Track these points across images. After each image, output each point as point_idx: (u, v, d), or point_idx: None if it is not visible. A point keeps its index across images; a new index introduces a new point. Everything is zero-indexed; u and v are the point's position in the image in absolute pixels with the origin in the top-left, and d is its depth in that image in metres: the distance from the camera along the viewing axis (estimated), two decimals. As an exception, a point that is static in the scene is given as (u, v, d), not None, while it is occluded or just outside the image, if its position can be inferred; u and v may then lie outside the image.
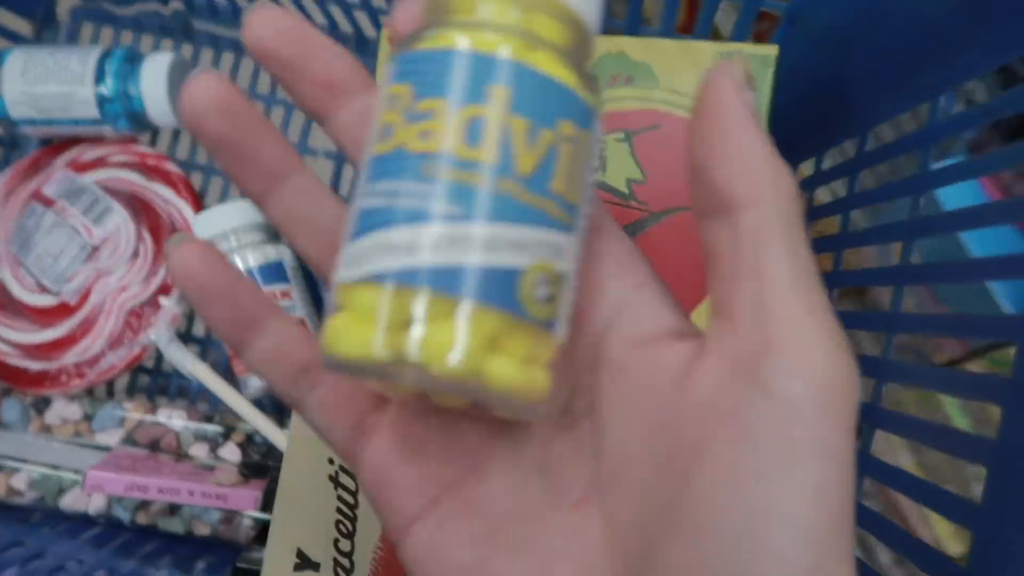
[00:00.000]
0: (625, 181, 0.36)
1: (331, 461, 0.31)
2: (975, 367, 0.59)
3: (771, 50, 0.35)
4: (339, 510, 0.31)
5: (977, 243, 0.52)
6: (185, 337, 0.49)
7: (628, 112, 0.37)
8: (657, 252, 0.36)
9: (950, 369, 0.24)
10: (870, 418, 0.28)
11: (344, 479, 0.31)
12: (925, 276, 0.27)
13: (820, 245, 0.36)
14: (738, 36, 0.38)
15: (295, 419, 0.32)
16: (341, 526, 0.31)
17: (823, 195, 0.54)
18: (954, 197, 0.52)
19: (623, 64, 0.37)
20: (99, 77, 0.47)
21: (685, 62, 0.36)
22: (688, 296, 0.35)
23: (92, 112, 0.47)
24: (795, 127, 0.40)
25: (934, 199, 0.50)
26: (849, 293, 0.56)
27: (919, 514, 0.58)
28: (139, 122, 0.49)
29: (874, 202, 0.33)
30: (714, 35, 0.40)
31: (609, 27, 0.41)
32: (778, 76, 0.35)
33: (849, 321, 0.31)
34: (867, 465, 0.27)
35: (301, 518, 0.31)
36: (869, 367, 0.28)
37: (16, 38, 0.51)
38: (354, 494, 0.30)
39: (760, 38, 0.64)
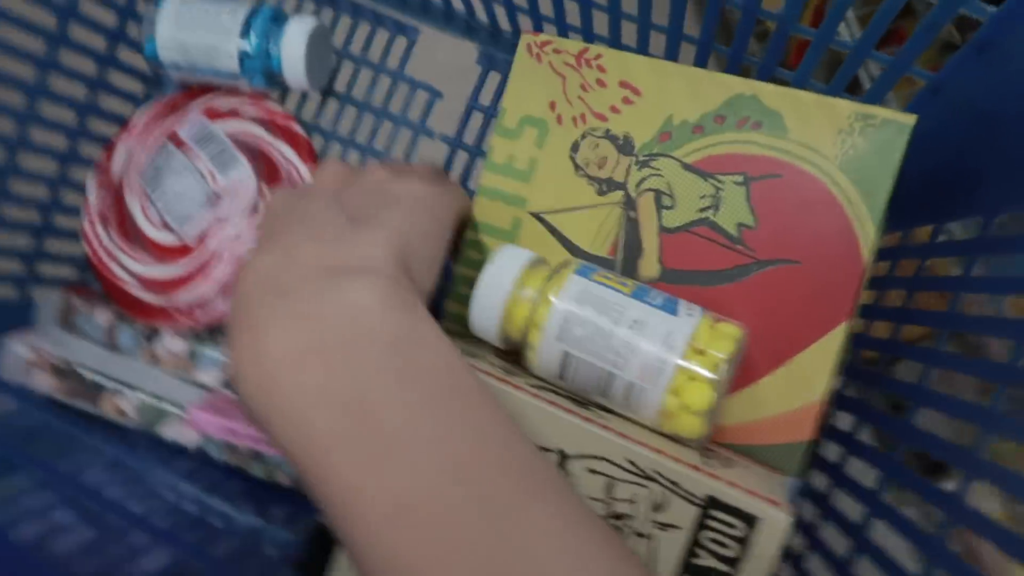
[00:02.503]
0: (736, 225, 0.37)
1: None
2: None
3: (908, 119, 0.34)
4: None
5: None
6: (287, 292, 0.52)
7: (751, 156, 0.37)
8: (756, 299, 0.36)
9: None
10: (967, 465, 0.28)
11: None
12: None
13: (930, 318, 0.36)
14: (875, 97, 0.38)
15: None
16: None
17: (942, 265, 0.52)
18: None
19: (754, 108, 0.37)
20: (244, 33, 0.49)
21: (818, 117, 0.36)
22: (781, 348, 0.36)
23: (233, 65, 0.50)
24: (919, 192, 0.40)
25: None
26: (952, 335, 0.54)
27: (1000, 565, 0.57)
28: (274, 80, 0.51)
29: (989, 290, 0.33)
30: (852, 90, 0.39)
31: (745, 64, 0.41)
32: (910, 143, 0.34)
33: (956, 365, 0.31)
34: (951, 507, 0.27)
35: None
36: (973, 414, 0.29)
37: None
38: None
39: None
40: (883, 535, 0.31)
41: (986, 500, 0.57)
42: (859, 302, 0.35)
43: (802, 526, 0.38)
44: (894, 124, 0.34)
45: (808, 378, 0.35)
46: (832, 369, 0.35)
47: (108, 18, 0.52)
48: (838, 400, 0.41)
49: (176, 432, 0.46)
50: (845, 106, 0.35)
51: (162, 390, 0.47)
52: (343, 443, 0.24)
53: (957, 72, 0.34)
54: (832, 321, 0.35)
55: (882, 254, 0.42)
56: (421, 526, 0.23)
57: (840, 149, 0.35)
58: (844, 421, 0.39)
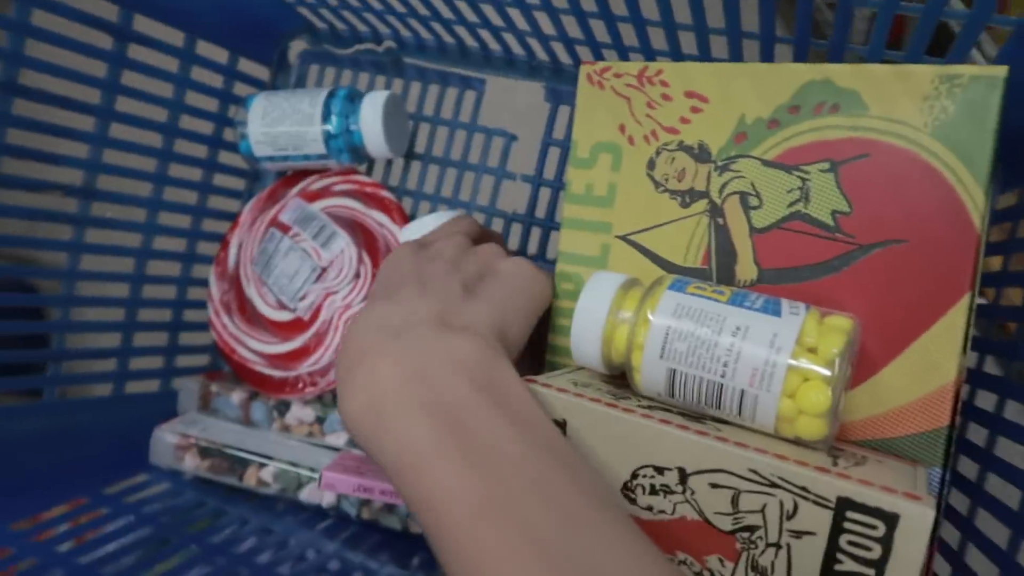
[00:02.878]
0: (830, 213, 0.35)
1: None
2: None
3: (999, 71, 0.32)
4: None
5: None
6: (398, 349, 0.54)
7: (834, 141, 0.36)
8: (865, 287, 0.34)
9: None
10: None
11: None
12: None
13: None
14: (959, 56, 0.36)
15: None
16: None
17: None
18: None
19: (828, 91, 0.36)
20: (325, 116, 0.52)
21: (899, 88, 0.34)
22: (901, 333, 0.34)
23: (319, 148, 0.53)
24: (1027, 145, 0.37)
25: None
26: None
27: None
28: (358, 154, 0.54)
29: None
30: (931, 52, 0.37)
31: (813, 50, 0.40)
32: (1007, 97, 0.32)
33: None
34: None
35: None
36: None
37: (256, 83, 0.59)
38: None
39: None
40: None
41: None
42: (979, 272, 0.33)
43: (956, 518, 0.35)
44: (984, 79, 0.32)
45: (936, 361, 0.33)
46: (961, 347, 0.32)
47: (206, 127, 0.57)
48: (979, 379, 0.38)
49: (313, 495, 0.48)
50: (926, 70, 0.34)
51: (296, 457, 0.49)
52: (439, 449, 0.27)
53: (1044, 13, 0.32)
54: (952, 297, 0.33)
55: (1000, 216, 0.39)
56: (504, 526, 0.25)
57: (929, 116, 0.34)
58: (987, 401, 0.36)
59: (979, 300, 0.34)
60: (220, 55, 0.56)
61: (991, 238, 0.40)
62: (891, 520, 0.26)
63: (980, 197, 0.32)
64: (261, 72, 0.60)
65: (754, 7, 0.38)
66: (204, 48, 0.54)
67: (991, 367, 0.37)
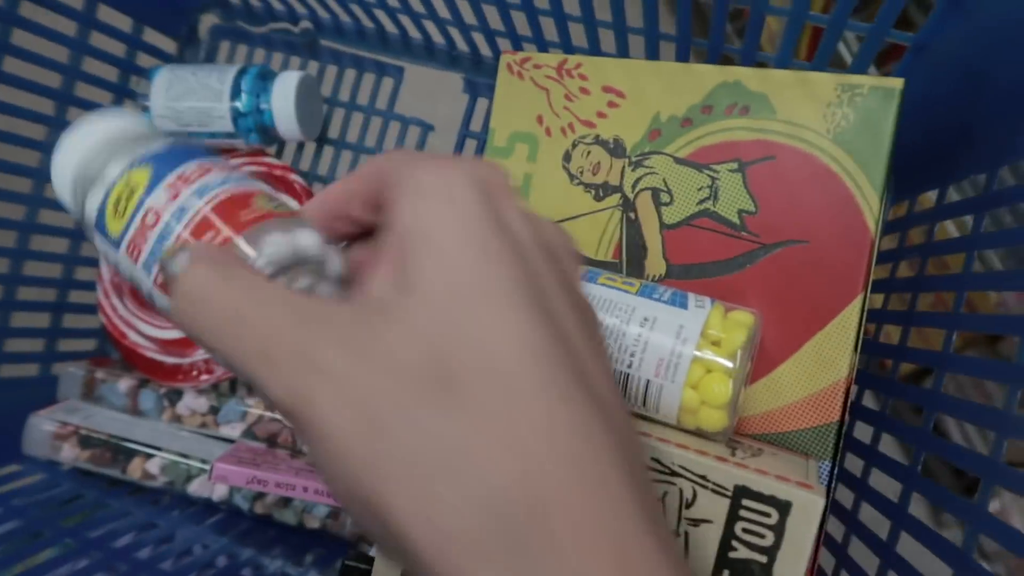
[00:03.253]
0: (737, 212, 0.36)
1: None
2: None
3: (896, 83, 0.34)
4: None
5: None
6: (302, 339, 0.52)
7: (742, 142, 0.37)
8: (767, 285, 0.35)
9: None
10: (987, 472, 0.27)
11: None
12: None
13: (944, 283, 0.35)
14: (860, 67, 0.37)
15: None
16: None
17: (950, 229, 0.51)
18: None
19: (739, 94, 0.37)
20: (235, 94, 0.50)
21: (804, 94, 0.35)
22: (799, 331, 0.35)
23: (227, 126, 0.51)
24: (919, 158, 0.39)
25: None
26: (979, 341, 0.53)
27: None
28: (268, 135, 0.52)
29: (1002, 244, 0.32)
30: (835, 63, 0.39)
31: (726, 54, 0.41)
32: (902, 108, 0.34)
33: (976, 369, 0.30)
34: (981, 521, 0.26)
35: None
36: (991, 419, 0.27)
37: (162, 55, 0.56)
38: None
39: (882, 61, 0.62)
40: (921, 510, 0.30)
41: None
42: (871, 275, 0.34)
43: (840, 511, 0.36)
44: (882, 90, 0.34)
45: (829, 358, 0.34)
46: (853, 346, 0.34)
47: (104, 97, 0.53)
48: (865, 379, 0.39)
49: (203, 488, 0.46)
50: (829, 79, 0.35)
51: (187, 448, 0.47)
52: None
53: (937, 30, 0.34)
54: (847, 297, 0.34)
55: (890, 226, 0.41)
56: None
57: (831, 123, 0.35)
58: (873, 400, 0.38)
59: (870, 303, 0.35)
60: (124, 23, 0.53)
61: (882, 247, 0.42)
62: (784, 508, 0.27)
63: (875, 202, 0.34)
64: (168, 44, 0.57)
65: (672, 10, 0.39)
66: (106, 14, 0.51)
67: (875, 369, 0.39)
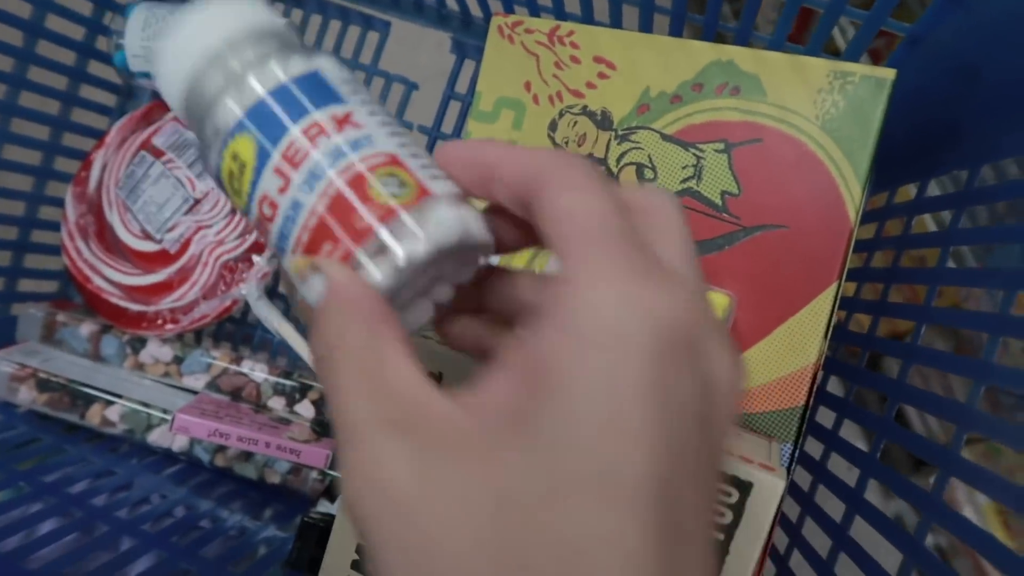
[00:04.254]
0: (720, 193, 0.36)
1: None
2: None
3: (888, 73, 0.34)
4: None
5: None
6: (272, 294, 0.51)
7: (730, 123, 0.36)
8: (745, 267, 0.35)
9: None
10: (946, 464, 0.27)
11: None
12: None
13: (918, 275, 0.36)
14: (853, 55, 0.37)
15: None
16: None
17: (928, 223, 0.52)
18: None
19: (731, 73, 0.36)
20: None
21: (796, 79, 0.35)
22: (773, 314, 0.35)
23: (205, 70, 0.49)
24: (903, 150, 0.39)
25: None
26: (943, 331, 0.54)
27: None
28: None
29: (977, 241, 0.32)
30: (828, 49, 0.39)
31: (720, 32, 0.41)
32: (892, 99, 0.34)
33: (942, 363, 0.30)
34: (944, 460, 0.27)
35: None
36: (953, 412, 0.28)
37: None
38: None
39: (876, 55, 0.62)
40: (876, 496, 0.30)
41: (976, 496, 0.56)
42: (847, 264, 0.35)
43: (798, 493, 0.37)
44: (873, 80, 0.34)
45: (800, 343, 0.34)
46: (823, 332, 0.34)
47: (76, 32, 0.51)
48: (832, 366, 0.40)
49: (163, 438, 0.45)
50: (822, 65, 0.35)
51: (148, 397, 0.46)
52: None
53: (933, 23, 0.34)
54: (821, 284, 0.34)
55: (868, 216, 0.41)
56: None
57: (820, 109, 0.35)
58: (838, 387, 0.38)
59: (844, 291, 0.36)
60: (100, -45, 0.51)
61: (859, 236, 0.42)
62: (745, 488, 0.27)
63: (857, 191, 0.34)
64: None
65: (669, -19, 0.39)
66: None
67: (843, 356, 0.40)
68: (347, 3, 0.53)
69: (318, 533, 0.37)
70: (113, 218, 0.51)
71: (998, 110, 0.32)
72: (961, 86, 0.34)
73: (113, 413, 0.46)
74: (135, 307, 0.49)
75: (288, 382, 0.47)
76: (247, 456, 0.45)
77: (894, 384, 0.33)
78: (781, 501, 0.32)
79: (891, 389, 0.33)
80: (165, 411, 0.46)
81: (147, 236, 0.50)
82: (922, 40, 0.35)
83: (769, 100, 0.35)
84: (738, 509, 0.27)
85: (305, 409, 0.46)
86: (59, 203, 0.52)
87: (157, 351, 0.48)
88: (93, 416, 0.46)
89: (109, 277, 0.50)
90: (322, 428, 0.45)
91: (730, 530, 0.28)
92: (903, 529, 0.28)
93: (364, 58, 0.53)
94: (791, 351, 0.34)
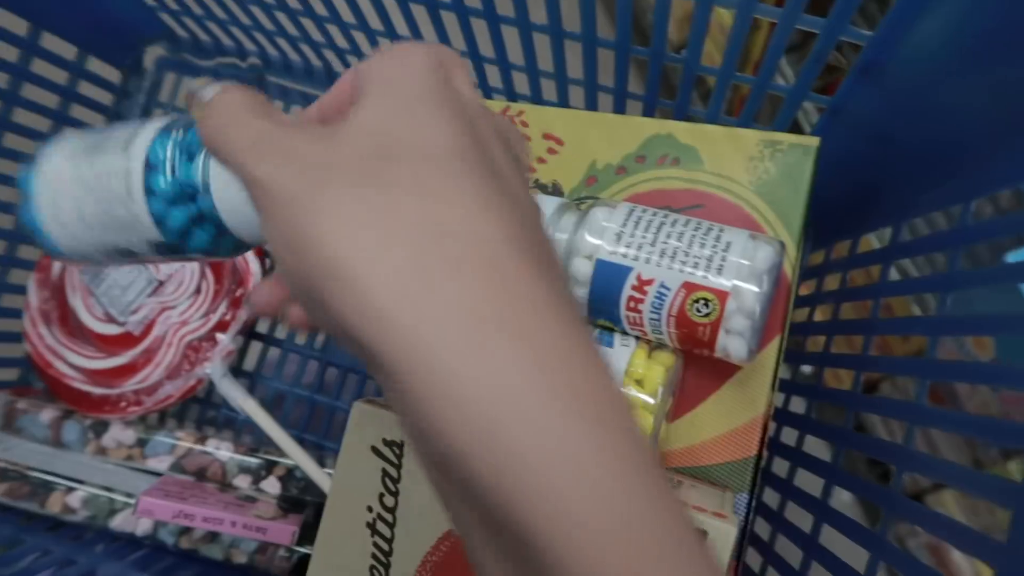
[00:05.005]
0: (665, 256, 0.38)
1: (369, 509, 0.32)
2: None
3: (812, 141, 0.36)
4: (374, 555, 0.32)
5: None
6: (236, 372, 0.52)
7: (673, 191, 0.39)
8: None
9: (979, 417, 0.24)
10: (901, 461, 0.28)
11: (380, 527, 0.32)
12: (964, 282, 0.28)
13: (856, 327, 0.37)
14: (781, 125, 0.40)
15: (339, 466, 0.33)
16: (375, 571, 0.32)
17: (858, 277, 0.55)
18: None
19: (670, 146, 0.39)
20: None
21: (730, 148, 0.38)
22: (720, 369, 0.36)
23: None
24: (833, 211, 0.42)
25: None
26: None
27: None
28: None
29: (904, 292, 0.34)
30: (759, 119, 0.42)
31: (660, 108, 0.43)
32: (818, 164, 0.36)
33: (891, 367, 0.32)
34: (896, 505, 0.28)
35: (337, 561, 0.33)
36: (904, 411, 0.29)
37: (105, 84, 0.55)
38: (389, 542, 0.32)
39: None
40: (833, 539, 0.31)
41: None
42: (789, 318, 0.36)
43: (757, 542, 0.38)
44: (800, 148, 0.37)
45: (748, 396, 0.36)
46: (770, 384, 0.36)
47: (42, 124, 0.53)
48: (784, 417, 0.41)
49: (126, 522, 0.44)
50: (752, 135, 0.37)
51: (111, 481, 0.45)
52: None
53: (849, 94, 0.36)
54: (765, 338, 0.36)
55: (809, 272, 0.43)
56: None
57: (753, 175, 0.37)
58: (790, 436, 0.40)
59: (788, 344, 0.37)
60: (68, 51, 0.53)
61: (801, 292, 0.45)
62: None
63: (792, 249, 0.36)
64: (112, 74, 0.57)
65: (611, 63, 0.41)
66: (50, 41, 0.51)
67: (796, 406, 0.41)
68: (309, 89, 0.55)
69: (285, 611, 0.36)
70: (76, 302, 0.51)
71: (913, 172, 0.34)
72: (879, 151, 0.37)
73: (74, 500, 0.45)
74: (98, 391, 0.49)
75: (253, 460, 0.47)
76: (213, 537, 0.45)
77: (841, 431, 0.34)
78: (740, 549, 0.33)
79: (839, 436, 0.34)
80: (128, 495, 0.45)
81: (110, 319, 0.50)
82: (842, 111, 0.38)
83: (707, 168, 0.38)
84: (697, 560, 0.28)
85: (271, 486, 0.46)
86: (21, 290, 0.53)
87: (120, 434, 0.48)
88: (54, 504, 0.45)
89: (71, 362, 0.50)
90: (288, 504, 0.45)
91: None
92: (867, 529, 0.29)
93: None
94: (740, 404, 0.36)
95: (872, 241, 0.48)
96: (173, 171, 0.22)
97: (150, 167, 0.22)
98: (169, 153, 0.22)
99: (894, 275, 0.35)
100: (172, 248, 0.23)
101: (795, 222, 0.36)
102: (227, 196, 0.21)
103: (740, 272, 0.31)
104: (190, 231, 0.23)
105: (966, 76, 0.30)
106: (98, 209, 0.23)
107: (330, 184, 0.17)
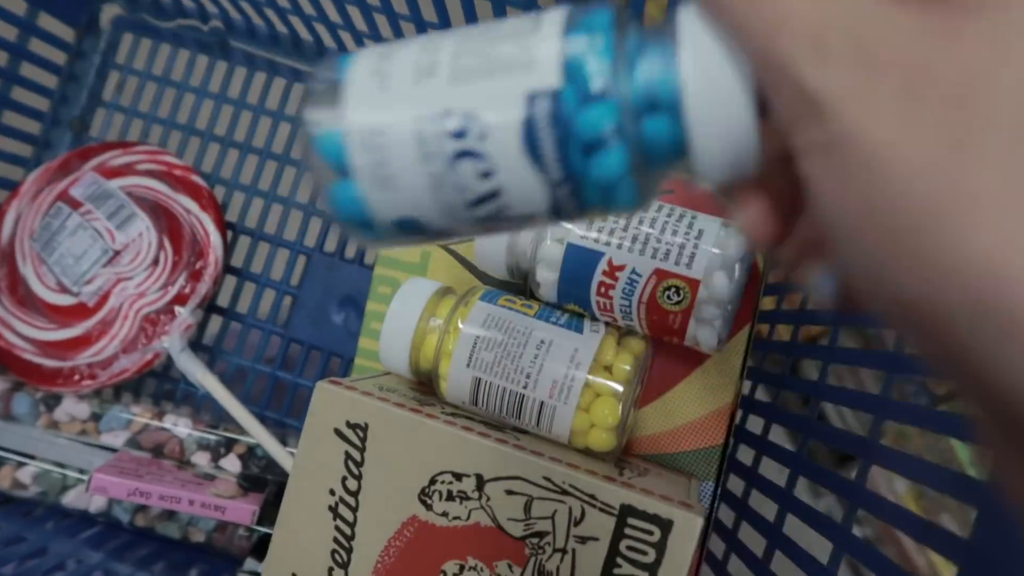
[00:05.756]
0: (636, 241, 0.38)
1: (331, 492, 0.32)
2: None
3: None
4: (335, 539, 0.32)
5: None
6: (195, 346, 0.50)
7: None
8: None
9: (947, 411, 0.25)
10: (867, 453, 0.29)
11: (343, 511, 0.32)
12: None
13: (822, 318, 0.38)
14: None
15: (300, 447, 0.33)
16: (336, 555, 0.32)
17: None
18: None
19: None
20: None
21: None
22: (689, 357, 0.36)
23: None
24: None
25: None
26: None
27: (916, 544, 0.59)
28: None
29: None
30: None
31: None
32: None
33: (852, 359, 0.32)
34: (860, 496, 0.28)
35: (299, 544, 0.32)
36: (869, 404, 0.30)
37: (58, 43, 0.53)
38: (352, 526, 0.32)
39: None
40: (798, 529, 0.32)
41: (896, 478, 0.59)
42: (758, 308, 0.36)
43: (722, 530, 0.38)
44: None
45: (716, 385, 0.36)
46: (738, 373, 0.36)
47: (-9, 79, 0.50)
48: (751, 405, 0.42)
49: (79, 499, 0.43)
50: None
51: (63, 457, 0.44)
52: None
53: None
54: (735, 327, 0.36)
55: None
56: None
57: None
58: (756, 425, 0.40)
59: (757, 333, 0.37)
60: (18, 6, 0.50)
61: (768, 280, 0.45)
62: (666, 526, 0.28)
63: (763, 239, 0.36)
64: (66, 32, 0.54)
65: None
66: (-3, -6, 0.48)
67: (761, 394, 0.41)
68: (274, 56, 0.53)
69: (244, 592, 0.36)
70: (27, 271, 0.49)
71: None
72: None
73: (25, 475, 0.44)
74: (50, 363, 0.47)
75: (212, 436, 0.46)
76: (170, 515, 0.44)
77: (805, 420, 0.34)
78: (704, 538, 0.33)
79: (803, 425, 0.35)
80: (82, 471, 0.44)
81: (63, 289, 0.48)
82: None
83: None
84: (660, 546, 0.28)
85: (231, 464, 0.45)
86: (-32, 257, 0.51)
87: (73, 408, 0.46)
88: (3, 479, 0.44)
89: (21, 332, 0.48)
90: (249, 482, 0.45)
91: (653, 568, 0.28)
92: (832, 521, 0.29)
93: (290, 109, 0.53)
94: (709, 392, 0.36)
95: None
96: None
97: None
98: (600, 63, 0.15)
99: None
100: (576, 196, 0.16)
101: (766, 210, 0.36)
102: (712, 115, 0.15)
103: (712, 261, 0.31)
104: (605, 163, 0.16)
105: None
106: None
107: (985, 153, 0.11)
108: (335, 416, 0.32)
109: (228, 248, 0.51)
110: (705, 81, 0.15)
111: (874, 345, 0.55)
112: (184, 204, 0.50)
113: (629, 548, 0.28)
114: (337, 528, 0.32)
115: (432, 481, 0.31)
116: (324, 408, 0.33)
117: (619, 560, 0.29)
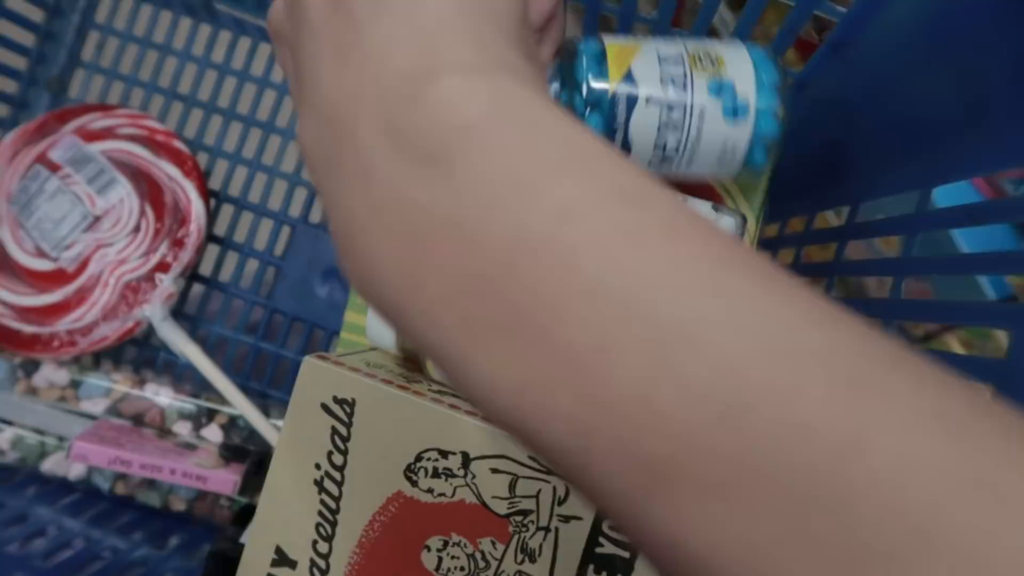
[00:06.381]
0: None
1: (317, 466, 0.32)
2: (954, 340, 0.61)
3: (778, 114, 0.36)
4: (320, 513, 0.32)
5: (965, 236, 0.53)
6: (177, 315, 0.50)
7: (635, 156, 0.38)
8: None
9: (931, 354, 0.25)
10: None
11: (328, 485, 0.32)
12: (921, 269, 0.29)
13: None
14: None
15: (287, 421, 0.33)
16: (321, 528, 0.32)
17: (813, 252, 0.56)
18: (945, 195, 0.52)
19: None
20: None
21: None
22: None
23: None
24: (794, 185, 0.42)
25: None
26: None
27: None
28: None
29: (856, 273, 0.35)
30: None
31: (602, 12, 0.42)
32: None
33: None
34: None
35: (284, 517, 0.32)
36: None
37: (37, 0, 0.51)
38: (337, 500, 0.32)
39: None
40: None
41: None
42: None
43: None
44: (764, 120, 0.36)
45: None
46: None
47: (-34, 34, 0.49)
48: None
49: (58, 466, 0.43)
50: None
51: (42, 423, 0.44)
52: None
53: (817, 70, 0.36)
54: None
55: (763, 244, 0.44)
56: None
57: (717, 146, 0.37)
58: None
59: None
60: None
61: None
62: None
63: (752, 223, 0.36)
64: (34, 12, 0.52)
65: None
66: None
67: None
68: (262, 21, 0.52)
69: (227, 562, 0.36)
70: (4, 234, 0.49)
71: (874, 152, 0.35)
72: (842, 129, 0.37)
73: (3, 441, 0.44)
74: (29, 329, 0.46)
75: (194, 405, 0.45)
76: (150, 483, 0.44)
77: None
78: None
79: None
80: (61, 438, 0.44)
81: (42, 254, 0.48)
82: (807, 86, 0.38)
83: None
84: (642, 528, 0.29)
85: (212, 434, 0.45)
86: (-57, 218, 0.49)
87: (52, 374, 0.46)
88: (-20, 445, 0.44)
89: (0, 298, 0.47)
90: (230, 452, 0.45)
91: (630, 561, 0.29)
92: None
93: (276, 76, 0.52)
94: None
95: (830, 218, 0.49)
96: None
97: None
98: None
99: (850, 254, 0.36)
100: None
101: (757, 194, 0.36)
102: None
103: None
104: None
105: (934, 59, 0.30)
106: None
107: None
108: (322, 391, 0.32)
109: (211, 216, 0.50)
110: None
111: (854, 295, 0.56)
112: (166, 170, 0.49)
113: (612, 527, 0.29)
114: (322, 502, 0.32)
115: (418, 458, 0.31)
116: (311, 383, 0.33)
117: (601, 539, 0.29)
